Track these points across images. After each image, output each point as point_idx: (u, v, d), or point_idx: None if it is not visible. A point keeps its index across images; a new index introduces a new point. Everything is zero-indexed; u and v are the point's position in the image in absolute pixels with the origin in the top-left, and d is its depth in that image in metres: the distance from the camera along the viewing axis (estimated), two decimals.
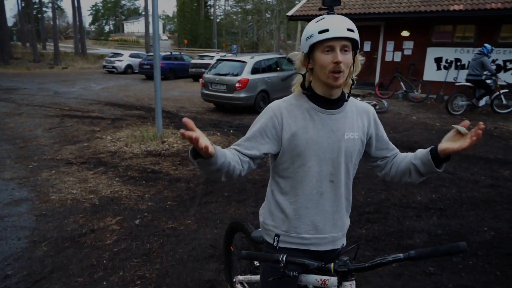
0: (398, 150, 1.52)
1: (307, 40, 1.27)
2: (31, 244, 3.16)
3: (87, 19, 79.53)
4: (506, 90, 8.98)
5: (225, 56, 11.51)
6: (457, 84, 10.10)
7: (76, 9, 32.01)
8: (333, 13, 1.30)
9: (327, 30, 1.21)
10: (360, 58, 1.34)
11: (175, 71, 18.86)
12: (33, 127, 7.46)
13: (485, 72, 8.72)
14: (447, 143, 1.23)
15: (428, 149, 1.32)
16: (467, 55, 10.94)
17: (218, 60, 10.29)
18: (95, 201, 4.04)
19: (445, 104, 9.57)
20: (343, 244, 1.46)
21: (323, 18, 1.26)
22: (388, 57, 12.25)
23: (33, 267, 2.81)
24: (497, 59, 10.56)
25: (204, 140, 1.09)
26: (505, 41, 10.49)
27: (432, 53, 11.48)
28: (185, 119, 1.04)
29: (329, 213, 1.39)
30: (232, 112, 9.52)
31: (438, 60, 11.38)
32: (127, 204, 4.01)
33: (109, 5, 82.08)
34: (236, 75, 9.14)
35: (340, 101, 1.36)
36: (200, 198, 4.17)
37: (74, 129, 7.35)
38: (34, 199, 4.07)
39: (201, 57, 19.43)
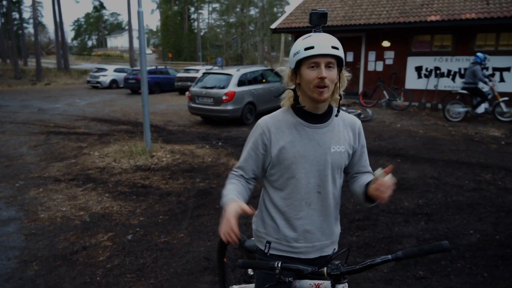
0: (368, 170, 1.56)
1: (294, 56, 1.34)
2: (21, 264, 3.11)
3: (69, 34, 78.96)
4: (506, 98, 9.21)
5: (211, 69, 11.61)
6: (453, 91, 10.39)
7: (58, 25, 31.78)
8: (320, 31, 1.36)
9: (312, 47, 1.29)
10: (346, 74, 1.41)
11: (161, 85, 18.86)
12: (18, 145, 7.35)
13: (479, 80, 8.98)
14: (372, 189, 1.32)
15: (365, 185, 1.41)
16: (445, 64, 11.33)
17: (204, 73, 10.38)
18: (86, 218, 4.01)
19: (442, 111, 9.86)
20: (335, 249, 1.52)
21: (310, 35, 1.34)
22: (371, 67, 12.56)
23: (25, 287, 2.77)
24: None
25: (236, 225, 1.25)
26: (480, 49, 10.90)
27: (412, 62, 11.84)
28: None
29: (317, 222, 1.45)
30: (220, 124, 9.58)
31: (418, 69, 11.74)
32: (119, 219, 3.99)
33: (91, 20, 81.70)
34: (223, 87, 9.23)
35: (326, 115, 1.43)
36: (191, 211, 4.18)
37: (61, 145, 7.27)
38: (23, 218, 4.01)
39: (187, 70, 19.49)
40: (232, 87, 9.15)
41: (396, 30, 11.65)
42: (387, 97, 11.78)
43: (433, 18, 10.83)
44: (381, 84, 11.84)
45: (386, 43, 12.12)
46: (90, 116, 11.06)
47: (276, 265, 1.21)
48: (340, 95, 1.42)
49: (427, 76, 11.61)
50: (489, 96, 9.23)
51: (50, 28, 69.74)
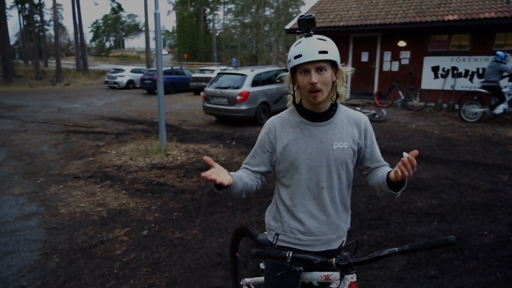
0: (384, 164, 1.57)
1: (288, 63, 1.41)
2: (43, 256, 3.25)
3: (88, 35, 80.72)
4: None
5: (225, 69, 11.72)
6: (471, 90, 10.23)
7: (78, 26, 32.57)
8: (311, 35, 1.37)
9: (300, 56, 1.34)
10: (346, 70, 1.44)
11: (176, 85, 19.12)
12: (39, 143, 7.60)
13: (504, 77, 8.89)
14: (394, 171, 1.28)
15: (387, 170, 1.43)
16: (463, 64, 11.13)
17: (219, 73, 10.50)
18: (103, 214, 4.15)
19: (458, 112, 9.71)
20: (343, 241, 1.58)
21: (300, 42, 1.38)
22: (386, 67, 12.44)
23: (47, 278, 2.90)
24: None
25: (222, 177, 1.29)
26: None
27: (428, 62, 11.67)
28: (205, 157, 1.26)
29: (322, 216, 1.50)
30: (234, 124, 9.67)
31: (435, 69, 11.57)
32: (135, 215, 4.11)
33: (109, 21, 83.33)
34: (237, 88, 9.32)
35: (329, 113, 1.48)
36: (205, 209, 4.27)
37: (79, 144, 7.49)
38: (44, 213, 4.17)
39: (202, 71, 19.71)
40: (246, 87, 9.23)
41: (412, 29, 11.51)
42: (402, 97, 11.65)
43: (450, 17, 10.66)
44: (397, 84, 11.71)
45: (402, 43, 11.98)
46: (107, 115, 11.32)
47: (288, 255, 1.26)
48: (337, 93, 1.45)
49: (444, 76, 11.44)
50: (510, 97, 9.04)
51: (70, 30, 71.44)
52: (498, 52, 9.03)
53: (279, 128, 1.50)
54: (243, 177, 1.47)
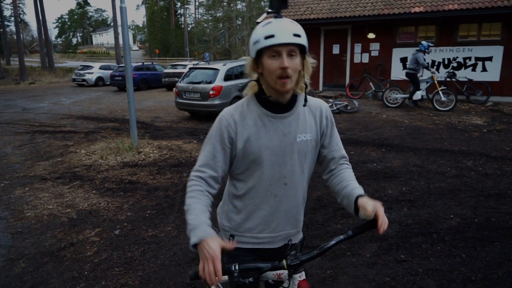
0: (344, 160, 1.47)
1: (254, 45, 1.25)
2: (8, 262, 3.11)
3: (53, 32, 77.55)
4: (444, 87, 9.63)
5: (197, 64, 11.56)
6: (396, 79, 11.04)
7: (41, 22, 31.18)
8: (281, 17, 1.26)
9: (272, 36, 1.20)
10: (311, 61, 1.33)
11: (148, 81, 18.72)
12: (2, 145, 7.25)
13: (420, 67, 9.58)
14: (364, 210, 1.24)
15: (354, 197, 1.31)
16: (430, 55, 11.44)
17: (190, 68, 10.34)
18: (73, 215, 4.01)
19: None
20: (301, 239, 1.53)
21: (270, 22, 1.24)
22: (357, 59, 12.67)
23: (12, 284, 2.78)
24: (457, 57, 11.16)
25: (219, 262, 1.10)
26: (464, 40, 11.10)
27: (397, 53, 11.98)
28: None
29: (282, 212, 1.40)
30: (207, 119, 9.58)
31: (403, 60, 11.87)
32: (106, 215, 4.00)
33: (75, 17, 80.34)
34: (210, 82, 9.22)
35: (291, 103, 1.36)
36: (179, 205, 4.21)
37: (46, 144, 7.20)
38: (9, 217, 3.99)
39: (174, 66, 19.35)
40: (219, 82, 9.15)
41: (381, 22, 11.75)
42: (373, 88, 11.91)
43: (417, 9, 10.96)
44: (367, 76, 11.96)
45: (371, 35, 12.22)
46: (76, 114, 10.94)
47: (233, 268, 1.14)
48: (305, 84, 1.34)
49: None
50: (428, 84, 9.73)
51: (33, 26, 68.28)
52: (422, 42, 9.70)
53: (238, 121, 1.33)
54: (208, 208, 1.28)
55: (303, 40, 1.24)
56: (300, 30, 1.24)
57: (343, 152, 1.47)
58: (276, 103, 1.33)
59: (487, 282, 2.66)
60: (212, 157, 1.33)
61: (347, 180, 1.39)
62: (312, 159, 1.42)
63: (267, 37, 1.21)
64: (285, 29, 1.20)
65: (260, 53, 1.25)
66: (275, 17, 1.27)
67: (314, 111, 1.41)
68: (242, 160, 1.34)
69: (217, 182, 1.35)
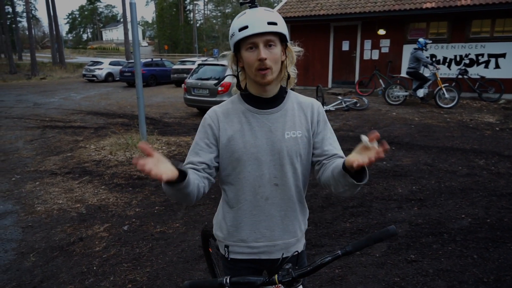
0: (340, 155, 1.32)
1: (231, 38, 1.21)
2: (18, 255, 3.15)
3: (64, 27, 78.31)
4: (447, 84, 9.49)
5: (206, 60, 11.56)
6: (398, 76, 10.94)
7: (52, 18, 31.48)
8: (256, 6, 1.21)
9: (246, 27, 1.15)
10: (296, 50, 1.27)
11: (157, 77, 18.79)
12: (14, 140, 7.34)
13: (422, 65, 9.49)
14: (353, 156, 1.05)
15: (342, 160, 1.16)
16: (441, 51, 11.32)
17: (199, 64, 10.34)
18: (82, 210, 4.04)
19: (382, 94, 10.47)
20: (303, 249, 1.43)
21: (244, 13, 1.19)
22: (366, 56, 12.54)
23: (23, 278, 2.81)
24: (469, 54, 10.96)
25: (161, 169, 0.97)
26: (476, 36, 10.90)
27: (408, 50, 11.78)
28: (140, 144, 0.96)
29: (276, 218, 1.30)
30: None
31: None
32: (115, 211, 4.02)
33: (86, 13, 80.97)
34: (218, 79, 9.20)
35: (278, 98, 1.30)
36: None
37: (57, 139, 7.27)
38: (19, 211, 4.04)
39: (183, 62, 19.38)
40: (228, 78, 9.12)
41: (391, 18, 11.60)
42: (383, 85, 11.77)
43: (428, 5, 10.78)
44: (377, 73, 11.82)
45: (381, 31, 12.07)
46: (86, 109, 11.03)
47: (224, 282, 1.10)
48: (288, 73, 1.28)
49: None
50: (431, 81, 9.53)
51: (45, 22, 69.09)
52: (420, 39, 9.52)
53: (222, 118, 1.28)
54: (192, 172, 1.18)
55: (281, 28, 1.18)
56: (275, 17, 1.17)
57: (339, 151, 1.33)
58: (261, 98, 1.28)
59: (499, 284, 2.61)
60: (195, 155, 1.28)
61: (337, 162, 1.22)
62: (305, 157, 1.32)
63: (241, 29, 1.16)
64: (258, 19, 1.15)
65: (238, 46, 1.21)
66: (250, 7, 1.21)
67: (305, 109, 1.33)
68: (227, 159, 1.28)
69: (204, 178, 1.26)
